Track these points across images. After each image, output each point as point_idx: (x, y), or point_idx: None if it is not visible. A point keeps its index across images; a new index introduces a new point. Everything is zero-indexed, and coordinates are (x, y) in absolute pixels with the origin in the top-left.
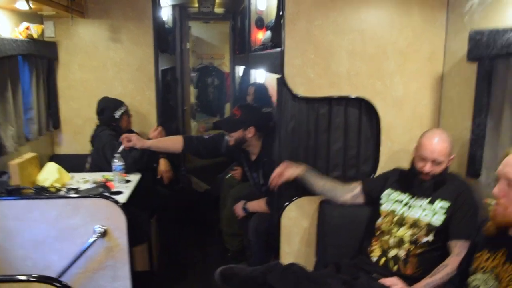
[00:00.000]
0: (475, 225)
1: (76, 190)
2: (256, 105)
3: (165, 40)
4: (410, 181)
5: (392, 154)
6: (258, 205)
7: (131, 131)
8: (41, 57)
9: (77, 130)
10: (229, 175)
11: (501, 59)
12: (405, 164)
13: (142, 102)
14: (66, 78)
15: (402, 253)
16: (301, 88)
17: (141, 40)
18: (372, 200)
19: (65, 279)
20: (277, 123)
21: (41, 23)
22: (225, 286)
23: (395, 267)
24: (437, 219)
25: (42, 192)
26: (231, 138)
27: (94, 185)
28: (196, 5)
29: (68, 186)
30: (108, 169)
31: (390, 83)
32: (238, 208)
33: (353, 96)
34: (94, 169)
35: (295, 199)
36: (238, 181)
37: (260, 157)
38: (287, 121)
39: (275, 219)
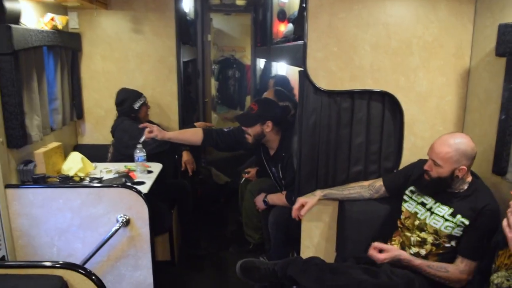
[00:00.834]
0: (486, 248)
1: (99, 180)
2: (277, 98)
3: (186, 32)
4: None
5: (415, 149)
6: (278, 198)
7: (151, 122)
8: (66, 48)
9: (99, 120)
10: (243, 179)
11: None
12: None
13: (163, 93)
14: (89, 69)
15: (423, 252)
16: (323, 81)
17: (162, 31)
18: (395, 195)
19: (88, 266)
20: (298, 117)
21: (66, 14)
22: (246, 279)
23: None
24: (458, 231)
25: (67, 181)
26: (249, 135)
27: (117, 175)
28: None
29: (92, 176)
30: (129, 158)
31: (414, 78)
32: (259, 201)
33: (376, 90)
34: (115, 159)
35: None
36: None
37: (279, 152)
38: (309, 115)
39: None
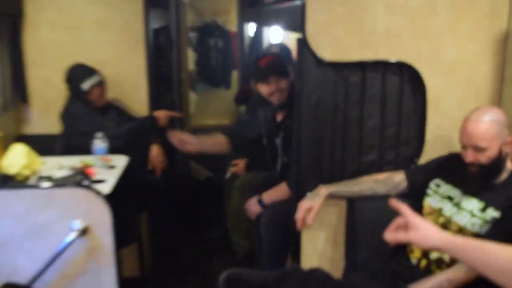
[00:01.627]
0: None
1: (49, 179)
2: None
3: None
4: (462, 172)
5: (441, 132)
6: (278, 192)
7: (110, 106)
8: (3, 14)
9: (49, 105)
10: (229, 174)
11: None
12: (457, 147)
13: (128, 69)
14: (34, 40)
15: (447, 256)
16: (327, 50)
17: None
18: (417, 192)
19: (37, 287)
20: (296, 95)
21: None
22: None
23: (439, 272)
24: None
25: (7, 181)
26: (280, 91)
27: (71, 172)
28: None
29: (39, 174)
30: (83, 151)
31: (440, 45)
32: (252, 205)
33: (392, 60)
34: (67, 152)
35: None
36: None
37: (288, 116)
38: (310, 92)
39: (295, 206)
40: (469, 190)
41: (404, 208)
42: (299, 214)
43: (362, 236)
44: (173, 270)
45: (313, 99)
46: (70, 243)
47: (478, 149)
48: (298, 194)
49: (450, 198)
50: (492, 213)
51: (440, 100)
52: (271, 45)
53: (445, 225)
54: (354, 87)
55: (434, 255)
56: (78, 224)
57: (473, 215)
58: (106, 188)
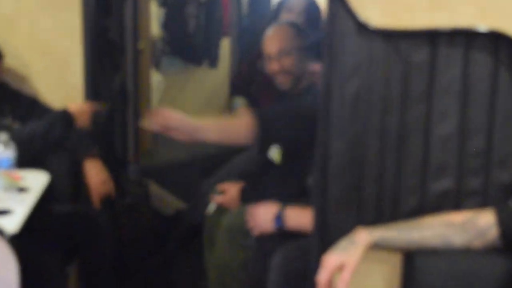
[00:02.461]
0: None
1: None
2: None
3: None
4: None
5: None
6: (305, 216)
7: (15, 94)
8: None
9: None
10: (213, 207)
11: None
12: None
13: (54, 32)
14: None
15: None
16: (375, 10)
17: None
18: None
19: None
20: (324, 82)
21: None
22: None
23: None
24: None
25: None
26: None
27: None
28: None
29: None
30: None
31: None
32: (263, 215)
33: (482, 29)
34: None
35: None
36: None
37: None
38: (345, 77)
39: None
40: None
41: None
42: (324, 275)
43: None
44: None
45: (351, 88)
46: None
47: None
48: (322, 240)
49: None
50: None
51: None
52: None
53: None
54: (418, 70)
55: None
56: None
57: None
58: (11, 224)
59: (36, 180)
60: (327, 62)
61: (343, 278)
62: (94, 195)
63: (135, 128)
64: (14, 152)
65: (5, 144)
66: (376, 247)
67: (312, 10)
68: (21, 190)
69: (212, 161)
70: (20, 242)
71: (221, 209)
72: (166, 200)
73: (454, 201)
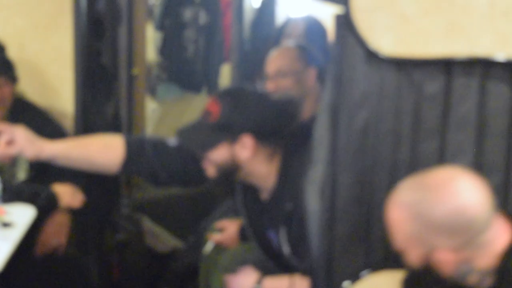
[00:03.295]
0: None
1: None
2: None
3: None
4: None
5: None
6: (282, 286)
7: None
8: None
9: None
10: (210, 245)
11: None
12: None
13: (43, 56)
14: None
15: None
16: (387, 37)
17: None
18: None
19: None
20: (331, 114)
21: None
22: None
23: None
24: None
25: None
26: (209, 164)
27: None
28: None
29: None
30: None
31: None
32: (242, 280)
33: (500, 57)
34: None
35: (365, 274)
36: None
37: (279, 196)
38: (353, 108)
39: None
40: None
41: None
42: None
43: None
44: None
45: (358, 121)
46: None
47: None
48: (328, 284)
49: None
50: None
51: None
52: (291, 21)
53: None
54: (431, 102)
55: None
56: None
57: None
58: None
59: (22, 215)
60: (334, 92)
61: None
62: (40, 244)
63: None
64: None
65: None
66: None
67: (314, 32)
68: (5, 225)
69: (208, 195)
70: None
71: (218, 249)
72: (160, 237)
73: None
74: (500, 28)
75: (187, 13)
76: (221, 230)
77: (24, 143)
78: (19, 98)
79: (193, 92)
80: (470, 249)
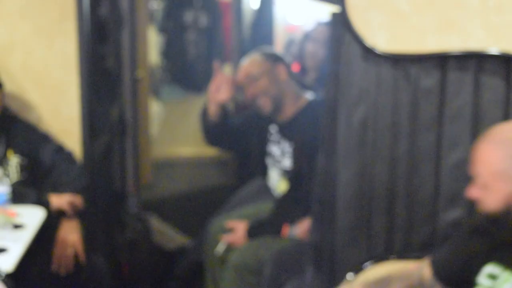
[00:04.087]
0: None
1: None
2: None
3: None
4: None
5: None
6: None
7: (17, 122)
8: None
9: None
10: (223, 246)
11: None
12: None
13: (49, 61)
14: None
15: None
16: (383, 33)
17: None
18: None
19: None
20: (328, 110)
21: None
22: None
23: None
24: None
25: None
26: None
27: None
28: None
29: None
30: None
31: None
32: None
33: (493, 51)
34: None
35: (367, 265)
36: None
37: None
38: (351, 105)
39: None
40: None
41: None
42: None
43: None
44: None
45: (357, 116)
46: None
47: None
48: (330, 274)
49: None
50: None
51: None
52: (317, 26)
53: None
54: (427, 96)
55: None
56: None
57: None
58: (6, 263)
59: (32, 217)
60: (332, 88)
61: None
62: (56, 257)
63: (134, 160)
64: (8, 186)
65: None
66: None
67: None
68: (17, 227)
69: (215, 193)
70: (14, 284)
71: (229, 248)
72: (168, 234)
73: None
74: (493, 23)
75: (188, 16)
76: (231, 229)
77: None
78: (6, 108)
79: (196, 93)
80: None
